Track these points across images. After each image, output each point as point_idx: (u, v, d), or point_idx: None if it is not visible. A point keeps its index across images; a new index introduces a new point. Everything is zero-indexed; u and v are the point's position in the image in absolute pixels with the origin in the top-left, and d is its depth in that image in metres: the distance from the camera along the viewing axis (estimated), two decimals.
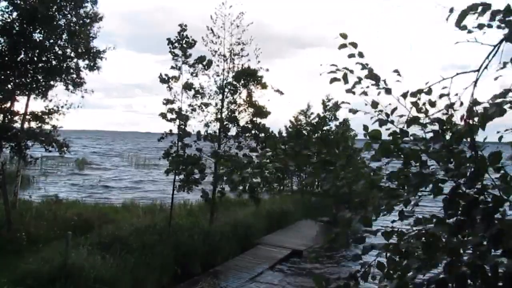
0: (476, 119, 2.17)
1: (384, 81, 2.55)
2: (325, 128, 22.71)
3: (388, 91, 2.51)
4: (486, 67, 2.13)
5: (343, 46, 2.54)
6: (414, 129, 2.44)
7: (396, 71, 2.51)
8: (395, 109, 2.46)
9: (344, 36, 2.52)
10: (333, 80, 2.58)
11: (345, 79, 2.57)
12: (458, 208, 2.16)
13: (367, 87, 2.56)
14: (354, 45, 2.54)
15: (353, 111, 2.61)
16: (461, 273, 2.06)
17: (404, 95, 2.44)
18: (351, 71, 2.57)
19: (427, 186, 2.27)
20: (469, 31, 2.22)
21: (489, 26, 2.19)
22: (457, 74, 2.27)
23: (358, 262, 2.53)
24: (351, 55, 2.55)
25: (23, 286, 7.57)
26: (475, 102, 2.17)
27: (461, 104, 2.33)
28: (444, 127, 2.36)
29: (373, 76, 2.54)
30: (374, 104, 2.52)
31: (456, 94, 2.33)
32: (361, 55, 2.56)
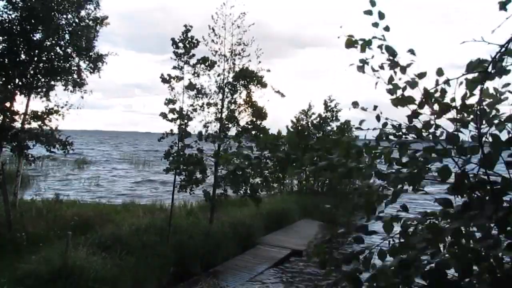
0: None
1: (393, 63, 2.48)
2: (326, 128, 22.75)
3: (403, 69, 2.43)
4: (494, 68, 2.06)
5: (368, 12, 2.45)
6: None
7: (410, 50, 2.43)
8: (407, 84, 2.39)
9: (373, 3, 2.44)
10: (350, 43, 2.47)
11: (364, 48, 2.48)
12: (465, 190, 2.11)
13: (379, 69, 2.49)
14: (382, 15, 2.45)
15: (363, 65, 2.51)
16: (467, 258, 2.03)
17: (420, 76, 2.36)
18: (369, 42, 2.47)
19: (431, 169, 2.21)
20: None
21: None
22: (463, 74, 2.18)
23: (360, 246, 2.48)
24: (375, 24, 2.46)
25: (23, 286, 7.57)
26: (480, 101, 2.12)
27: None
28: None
29: (390, 51, 2.45)
30: (390, 79, 2.44)
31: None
32: (387, 29, 2.47)
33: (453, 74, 2.23)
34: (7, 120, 11.44)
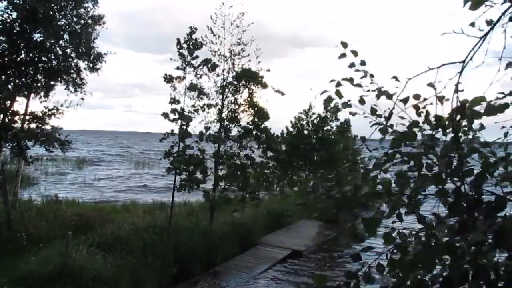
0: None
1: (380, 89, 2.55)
2: (325, 128, 22.77)
3: (389, 96, 2.48)
4: (471, 59, 2.13)
5: (343, 55, 2.52)
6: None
7: (394, 77, 2.49)
8: (391, 113, 2.44)
9: (344, 45, 2.50)
10: (328, 101, 2.57)
11: (339, 94, 2.55)
12: (461, 209, 2.17)
13: (368, 90, 2.55)
14: (355, 53, 2.52)
15: (353, 114, 2.58)
16: (463, 269, 2.06)
17: (405, 101, 2.43)
18: (351, 80, 2.54)
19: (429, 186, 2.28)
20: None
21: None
22: (443, 64, 2.26)
23: (358, 262, 2.52)
24: (351, 65, 2.53)
25: (23, 286, 7.57)
26: (460, 105, 2.16)
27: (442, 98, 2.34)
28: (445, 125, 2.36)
29: (381, 91, 2.52)
30: (373, 111, 2.50)
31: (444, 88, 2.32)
32: (363, 63, 2.53)
33: (448, 73, 2.25)
34: (7, 120, 11.45)
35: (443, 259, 2.23)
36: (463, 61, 2.17)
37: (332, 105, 2.59)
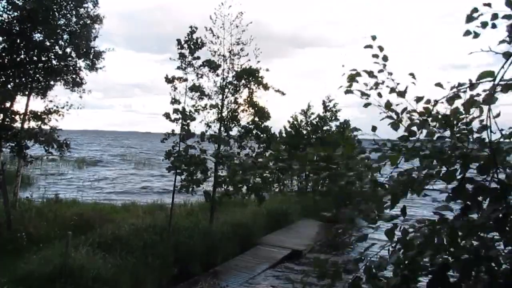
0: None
1: (393, 88, 2.57)
2: (325, 128, 22.76)
3: (401, 94, 2.52)
4: (501, 79, 2.06)
5: (369, 46, 2.59)
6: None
7: (411, 74, 2.54)
8: (405, 109, 2.46)
9: (373, 38, 2.58)
10: (353, 77, 2.59)
11: (351, 81, 2.58)
12: (465, 195, 2.15)
13: (377, 86, 2.58)
14: (381, 48, 2.59)
15: (366, 96, 2.60)
16: (465, 260, 2.06)
17: (418, 100, 2.44)
18: (371, 72, 2.59)
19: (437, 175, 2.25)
20: (476, 35, 2.22)
21: (494, 26, 2.18)
22: (472, 84, 2.20)
23: (360, 255, 2.51)
24: (375, 55, 2.60)
25: (23, 286, 7.57)
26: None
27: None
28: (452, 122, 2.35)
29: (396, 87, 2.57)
30: (388, 105, 2.52)
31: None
32: (385, 58, 2.58)
33: (453, 74, 2.22)
34: (7, 120, 11.46)
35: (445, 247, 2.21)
36: (493, 80, 2.07)
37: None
